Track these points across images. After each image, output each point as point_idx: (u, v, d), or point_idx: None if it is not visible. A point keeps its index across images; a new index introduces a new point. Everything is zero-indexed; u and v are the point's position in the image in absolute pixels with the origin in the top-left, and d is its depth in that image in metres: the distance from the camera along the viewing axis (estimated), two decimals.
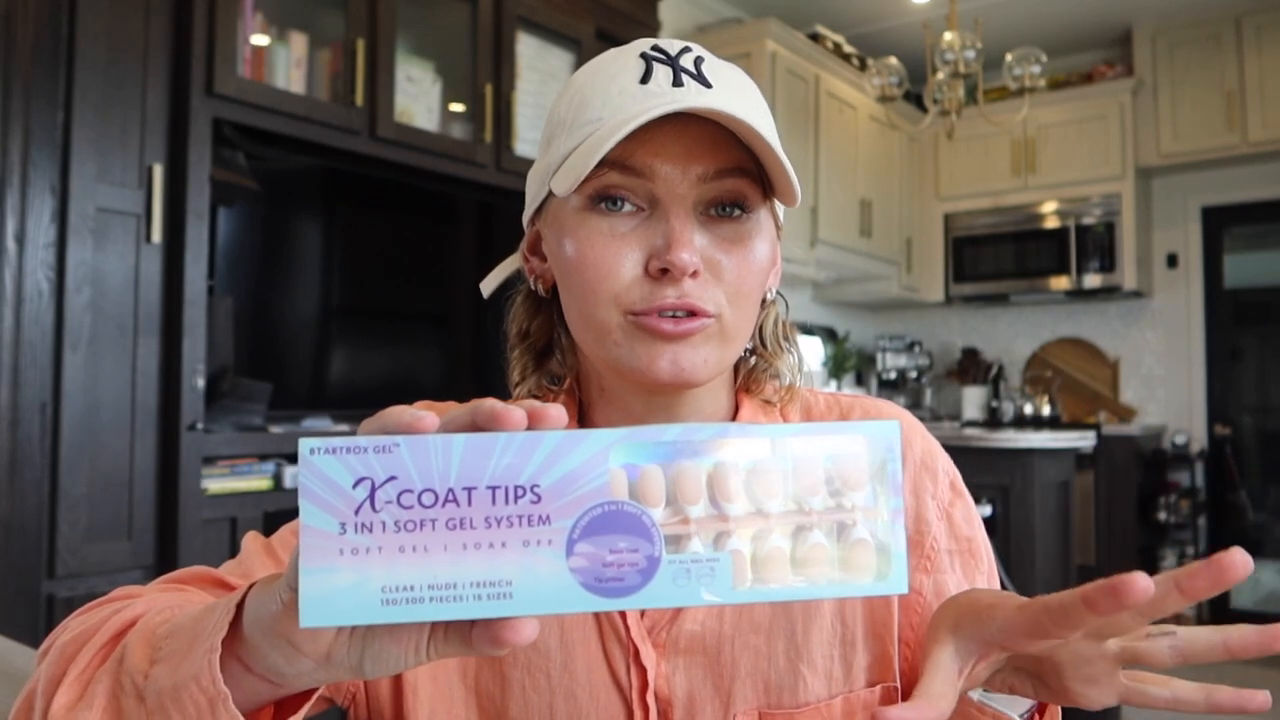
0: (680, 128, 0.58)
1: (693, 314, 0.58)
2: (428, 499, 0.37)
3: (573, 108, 0.61)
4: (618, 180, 0.58)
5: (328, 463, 0.37)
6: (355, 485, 0.37)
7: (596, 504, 0.38)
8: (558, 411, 0.38)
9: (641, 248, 0.59)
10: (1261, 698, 0.43)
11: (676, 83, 0.59)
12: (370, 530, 0.37)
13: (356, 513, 0.37)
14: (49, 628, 1.73)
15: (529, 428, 0.38)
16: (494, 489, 0.37)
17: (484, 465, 0.37)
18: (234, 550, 1.96)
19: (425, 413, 0.38)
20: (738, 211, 0.60)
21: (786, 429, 0.40)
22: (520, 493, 0.37)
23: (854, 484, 0.39)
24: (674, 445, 0.38)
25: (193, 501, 1.93)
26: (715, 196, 0.60)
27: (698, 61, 0.61)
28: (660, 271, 0.58)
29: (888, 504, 0.40)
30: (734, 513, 0.39)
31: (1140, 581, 0.36)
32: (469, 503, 0.37)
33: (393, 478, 0.37)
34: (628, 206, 0.59)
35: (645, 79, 0.60)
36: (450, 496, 0.37)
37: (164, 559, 1.91)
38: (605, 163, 0.57)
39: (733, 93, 0.61)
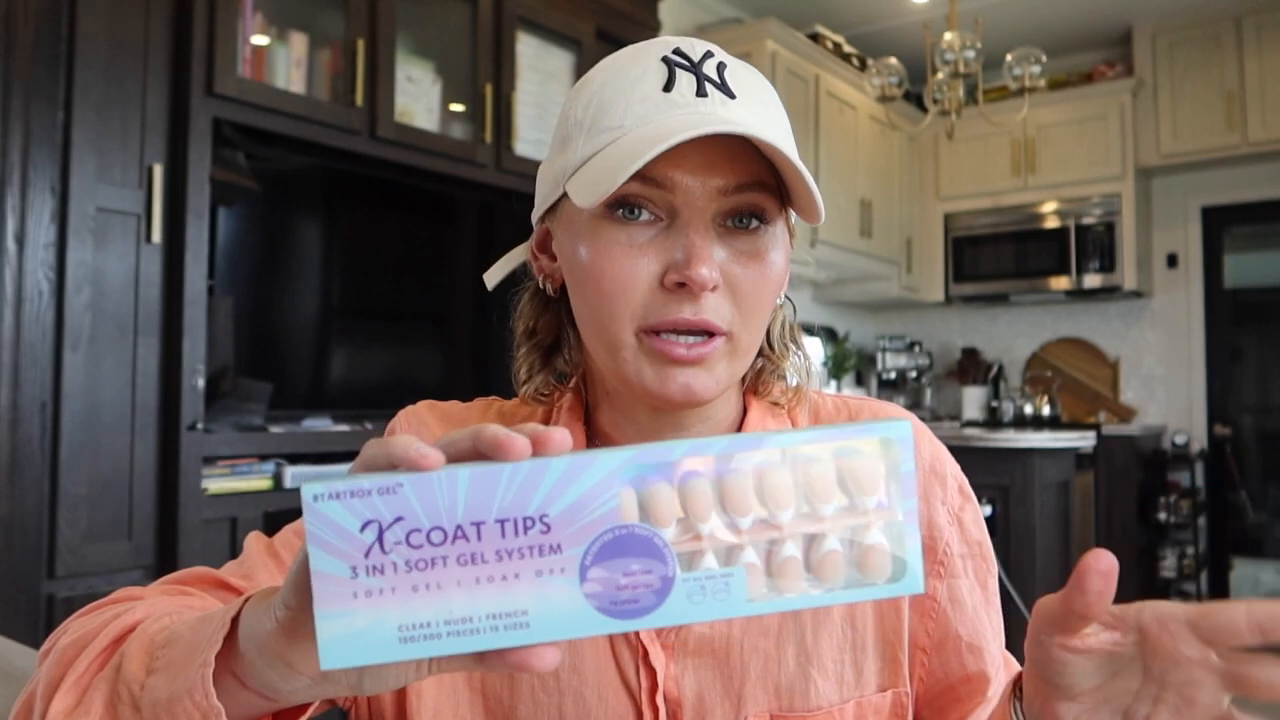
0: (702, 140, 0.57)
1: (707, 334, 0.58)
2: (436, 537, 0.37)
3: (591, 110, 0.60)
4: (637, 190, 0.57)
5: (332, 508, 0.36)
6: (363, 529, 0.36)
7: (607, 529, 0.37)
8: (561, 435, 0.38)
9: (659, 259, 0.58)
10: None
11: (700, 92, 0.58)
12: (382, 572, 0.36)
13: (366, 555, 0.36)
14: (49, 628, 1.72)
15: (533, 453, 0.38)
16: (503, 522, 0.37)
17: (491, 498, 0.37)
18: (234, 551, 1.96)
19: (430, 450, 0.37)
20: (755, 223, 0.60)
21: (796, 436, 0.39)
22: (530, 523, 0.37)
23: (867, 486, 0.39)
24: (681, 462, 0.38)
25: (193, 501, 1.92)
26: (734, 208, 0.59)
27: (720, 68, 0.60)
28: (677, 285, 0.57)
29: (901, 505, 0.39)
30: (746, 525, 0.38)
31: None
32: (478, 537, 0.37)
33: (400, 518, 0.36)
34: (645, 215, 0.58)
35: (668, 86, 0.58)
36: (459, 533, 0.37)
37: (164, 559, 1.91)
38: None
39: (755, 105, 0.60)
